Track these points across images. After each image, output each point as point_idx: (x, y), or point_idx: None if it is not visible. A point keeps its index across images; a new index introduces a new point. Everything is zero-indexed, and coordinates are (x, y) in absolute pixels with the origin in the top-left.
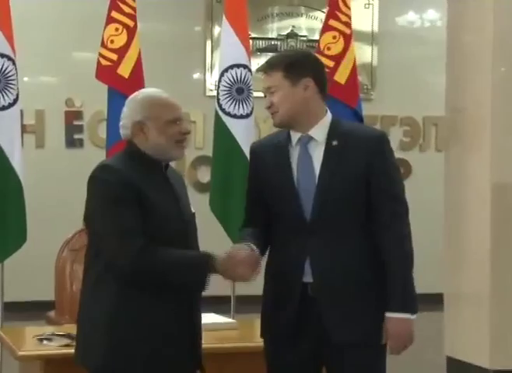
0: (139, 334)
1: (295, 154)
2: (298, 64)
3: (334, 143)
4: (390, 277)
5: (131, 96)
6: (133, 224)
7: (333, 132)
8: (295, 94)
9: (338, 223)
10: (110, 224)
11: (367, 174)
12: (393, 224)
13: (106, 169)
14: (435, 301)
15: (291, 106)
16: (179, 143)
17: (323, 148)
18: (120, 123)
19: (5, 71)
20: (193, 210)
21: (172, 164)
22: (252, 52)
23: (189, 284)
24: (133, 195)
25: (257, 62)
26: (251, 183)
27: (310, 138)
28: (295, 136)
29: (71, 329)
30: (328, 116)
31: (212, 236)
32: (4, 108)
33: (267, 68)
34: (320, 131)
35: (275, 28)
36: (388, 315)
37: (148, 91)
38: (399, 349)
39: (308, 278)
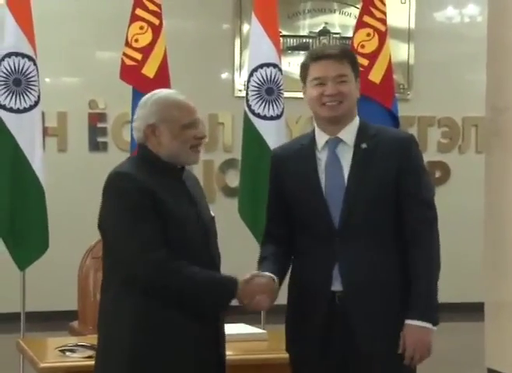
0: (161, 357)
1: (322, 158)
2: (357, 61)
3: (364, 146)
4: (413, 283)
5: (146, 97)
6: (152, 236)
7: (362, 135)
8: (356, 90)
9: (368, 228)
10: (128, 235)
11: (396, 178)
12: (422, 230)
13: (121, 176)
14: (475, 310)
15: (353, 101)
16: (194, 148)
17: (351, 152)
18: (134, 124)
19: (26, 71)
20: (212, 214)
21: (199, 168)
22: (282, 51)
23: (209, 306)
24: (151, 203)
25: (288, 61)
26: (273, 194)
27: (339, 141)
28: (321, 139)
29: (95, 340)
30: (357, 119)
31: (241, 243)
32: (25, 110)
33: (339, 56)
34: (349, 134)
35: (307, 25)
36: (408, 322)
37: (163, 92)
38: (415, 359)
39: (337, 286)
